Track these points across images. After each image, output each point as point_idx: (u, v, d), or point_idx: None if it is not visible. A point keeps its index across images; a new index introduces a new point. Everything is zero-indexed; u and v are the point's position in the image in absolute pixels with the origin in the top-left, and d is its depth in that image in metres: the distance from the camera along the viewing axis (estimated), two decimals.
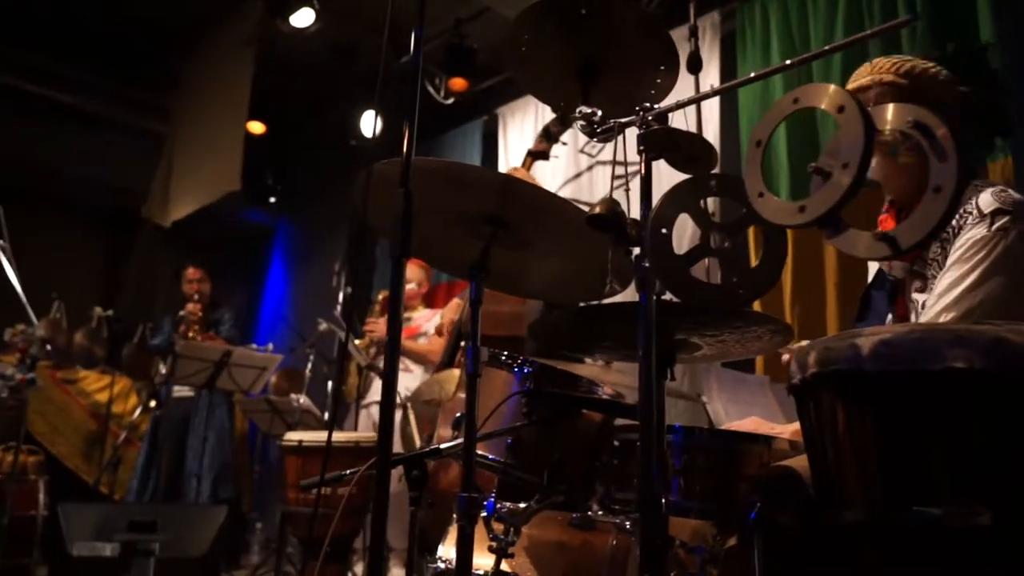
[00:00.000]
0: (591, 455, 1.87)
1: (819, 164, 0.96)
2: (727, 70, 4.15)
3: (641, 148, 1.14)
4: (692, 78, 2.96)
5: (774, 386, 2.71)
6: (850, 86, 1.64)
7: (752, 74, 1.21)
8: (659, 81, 1.33)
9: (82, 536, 3.28)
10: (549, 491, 1.81)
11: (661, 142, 1.13)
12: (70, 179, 5.89)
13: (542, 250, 1.66)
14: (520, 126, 5.33)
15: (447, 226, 1.60)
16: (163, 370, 4.89)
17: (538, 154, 3.22)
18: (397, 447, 3.72)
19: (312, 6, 4.52)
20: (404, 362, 4.49)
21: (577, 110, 1.24)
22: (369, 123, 5.77)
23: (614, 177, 1.32)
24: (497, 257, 1.59)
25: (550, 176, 5.02)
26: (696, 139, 1.14)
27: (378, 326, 4.47)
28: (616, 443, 1.80)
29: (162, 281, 6.60)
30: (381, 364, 4.36)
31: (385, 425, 1.24)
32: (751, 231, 2.48)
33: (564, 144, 3.57)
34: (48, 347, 3.78)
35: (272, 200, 6.85)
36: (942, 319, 1.46)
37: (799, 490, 1.30)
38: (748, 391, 2.64)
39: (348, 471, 1.79)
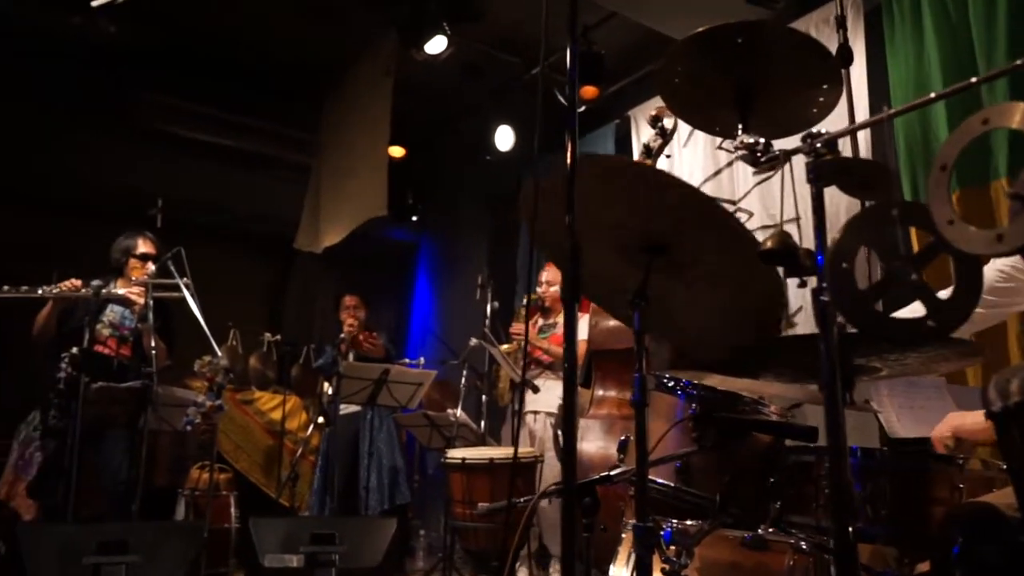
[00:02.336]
0: (762, 475, 1.83)
1: (1016, 190, 0.90)
2: (873, 48, 3.90)
3: (811, 177, 1.11)
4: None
5: (951, 387, 2.53)
6: None
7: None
8: (821, 100, 1.29)
9: (271, 548, 3.54)
10: (721, 514, 1.79)
11: (833, 170, 1.09)
12: (237, 215, 6.41)
13: (704, 280, 1.60)
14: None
15: (604, 252, 1.60)
16: (328, 389, 5.21)
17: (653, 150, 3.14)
18: (550, 458, 3.79)
19: (444, 32, 4.66)
20: (557, 373, 4.55)
21: (738, 140, 1.22)
22: (504, 137, 5.88)
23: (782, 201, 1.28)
24: (654, 290, 1.56)
25: (687, 175, 4.92)
26: (870, 164, 1.10)
27: (519, 328, 4.55)
28: (788, 463, 1.76)
29: (320, 303, 7.03)
30: (532, 376, 4.45)
31: (569, 460, 1.26)
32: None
33: (665, 152, 3.48)
34: (231, 375, 4.12)
35: (414, 218, 7.14)
36: None
37: (1002, 525, 1.22)
38: (923, 396, 2.47)
39: (523, 499, 1.84)
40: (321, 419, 5.17)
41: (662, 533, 1.61)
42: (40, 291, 3.75)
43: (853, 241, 1.05)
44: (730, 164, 4.81)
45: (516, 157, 6.10)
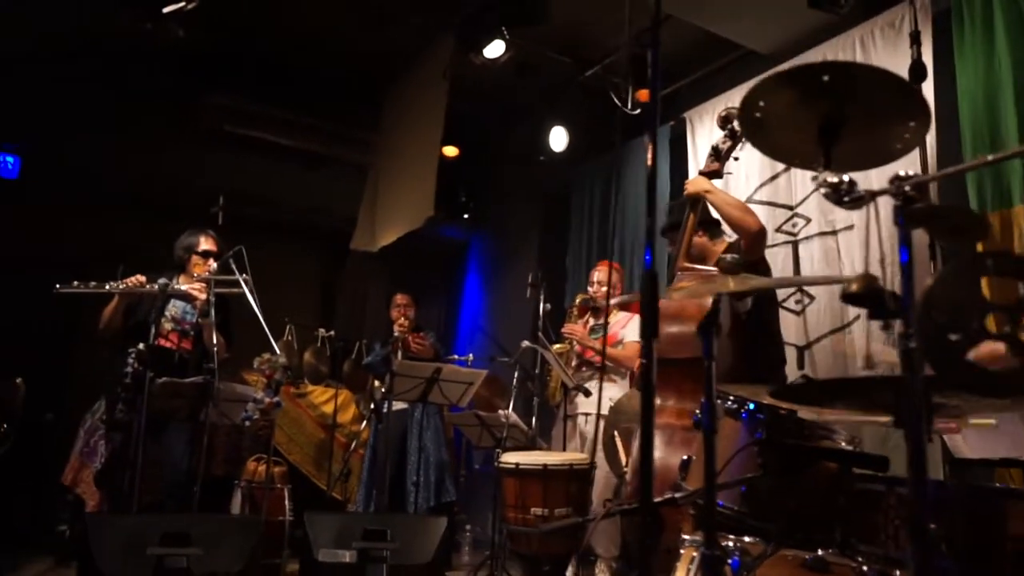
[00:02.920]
0: (827, 501, 1.82)
1: None
2: (942, 51, 3.76)
3: (899, 221, 1.10)
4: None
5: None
6: None
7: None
8: (907, 136, 1.27)
9: (325, 543, 3.62)
10: (785, 539, 1.78)
11: (923, 215, 1.08)
12: (294, 211, 6.55)
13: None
14: (709, 129, 5.21)
15: None
16: (378, 384, 5.29)
17: (710, 174, 3.12)
18: (600, 462, 3.79)
19: (502, 37, 4.67)
20: (609, 374, 4.55)
21: (820, 178, 1.21)
22: (557, 138, 5.88)
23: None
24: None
25: (743, 180, 4.86)
26: (962, 210, 1.08)
27: (576, 329, 4.56)
28: (855, 489, 1.74)
29: (371, 300, 7.14)
30: (584, 381, 4.45)
31: (647, 482, 1.26)
32: None
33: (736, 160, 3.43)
34: (290, 372, 4.21)
35: (466, 216, 7.19)
36: None
37: None
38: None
39: (583, 519, 1.86)
40: (371, 413, 5.26)
41: (730, 562, 1.61)
42: (108, 286, 3.86)
43: (945, 291, 1.04)
44: (787, 168, 4.73)
45: (568, 157, 6.11)
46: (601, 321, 4.68)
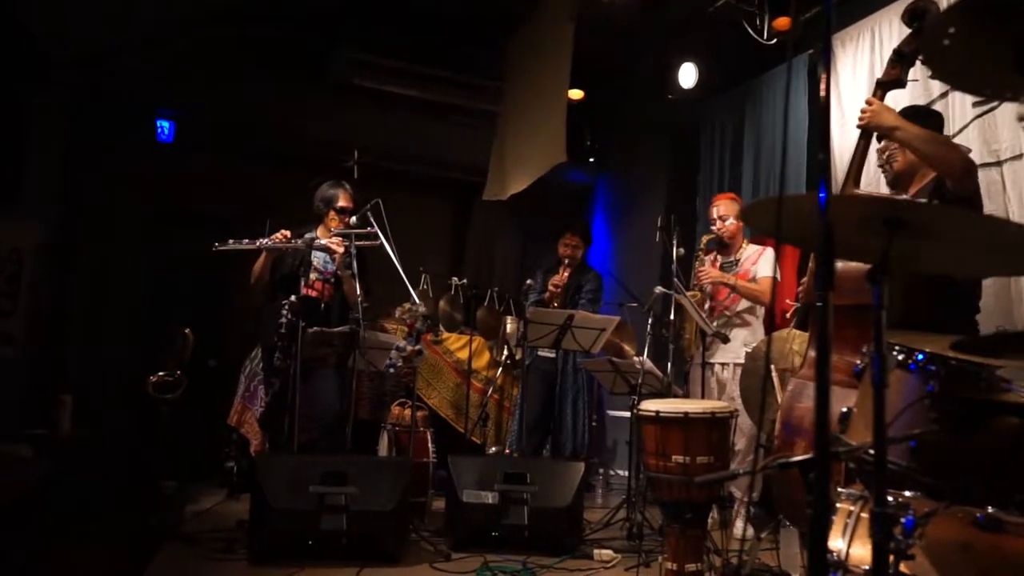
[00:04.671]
0: (1008, 458, 1.70)
1: None
2: None
3: None
4: None
5: None
6: None
7: None
8: None
9: (468, 485, 3.78)
10: (958, 497, 1.69)
11: None
12: (424, 162, 6.68)
13: (948, 241, 1.49)
14: (853, 56, 4.84)
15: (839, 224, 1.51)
16: (510, 329, 5.39)
17: (889, 83, 2.76)
18: (742, 411, 3.72)
19: None
20: (741, 316, 4.42)
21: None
22: (686, 74, 5.66)
23: None
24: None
25: (893, 105, 4.51)
26: None
27: (709, 272, 4.43)
28: None
29: (499, 246, 7.23)
30: (720, 326, 4.35)
31: (823, 435, 1.22)
32: None
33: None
34: (429, 321, 4.34)
35: (591, 160, 7.08)
36: None
37: None
38: None
39: (741, 470, 1.83)
40: (504, 358, 5.39)
41: (903, 520, 1.54)
42: (258, 243, 4.10)
43: None
44: (944, 95, 4.34)
45: (697, 94, 5.86)
46: (731, 258, 4.53)
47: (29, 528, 3.46)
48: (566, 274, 5.05)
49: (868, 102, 2.75)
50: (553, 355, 4.93)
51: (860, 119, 2.75)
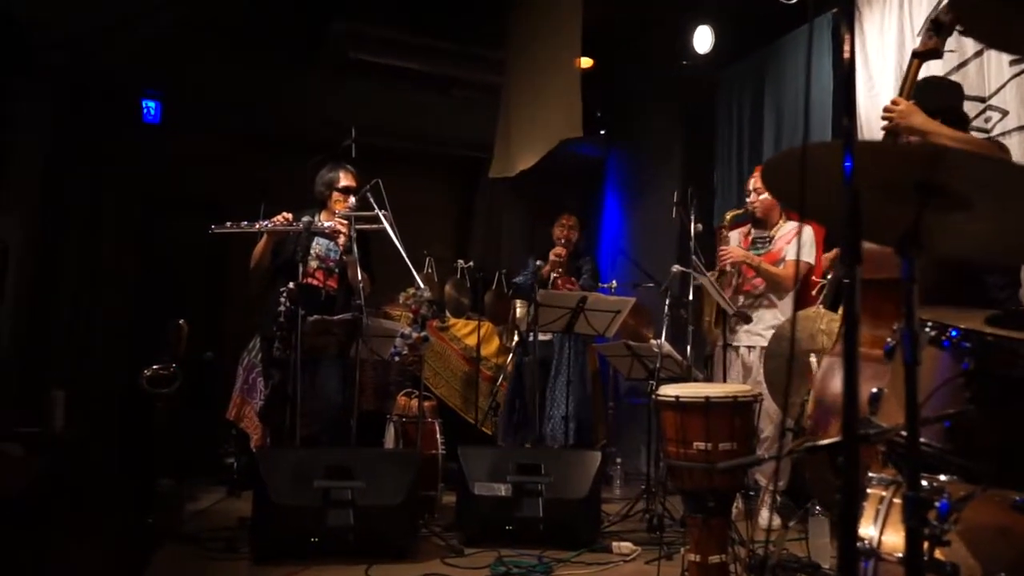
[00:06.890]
0: None
1: None
2: None
3: None
4: None
5: None
6: None
7: None
8: None
9: (480, 477, 3.80)
10: (995, 479, 1.69)
11: None
12: (428, 139, 6.65)
13: (980, 213, 1.48)
14: (881, 15, 4.78)
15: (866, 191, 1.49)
16: (520, 314, 5.39)
17: (926, 54, 2.73)
18: (767, 395, 3.71)
19: None
20: (768, 297, 4.40)
21: None
22: (701, 39, 5.60)
23: None
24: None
25: (927, 68, 4.46)
26: None
27: (733, 251, 4.41)
28: None
29: (507, 226, 7.20)
30: (744, 306, 4.33)
31: (850, 421, 1.21)
32: None
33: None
34: (435, 306, 4.35)
35: (602, 132, 7.03)
36: None
37: None
38: None
39: (767, 455, 1.83)
40: (515, 343, 5.39)
41: (938, 504, 1.54)
42: (257, 226, 4.11)
43: None
44: (979, 54, 4.29)
45: (712, 59, 5.81)
46: (765, 234, 4.50)
47: (24, 529, 3.51)
48: (564, 253, 5.05)
49: (894, 102, 2.69)
50: (549, 337, 4.92)
51: (886, 120, 2.71)
